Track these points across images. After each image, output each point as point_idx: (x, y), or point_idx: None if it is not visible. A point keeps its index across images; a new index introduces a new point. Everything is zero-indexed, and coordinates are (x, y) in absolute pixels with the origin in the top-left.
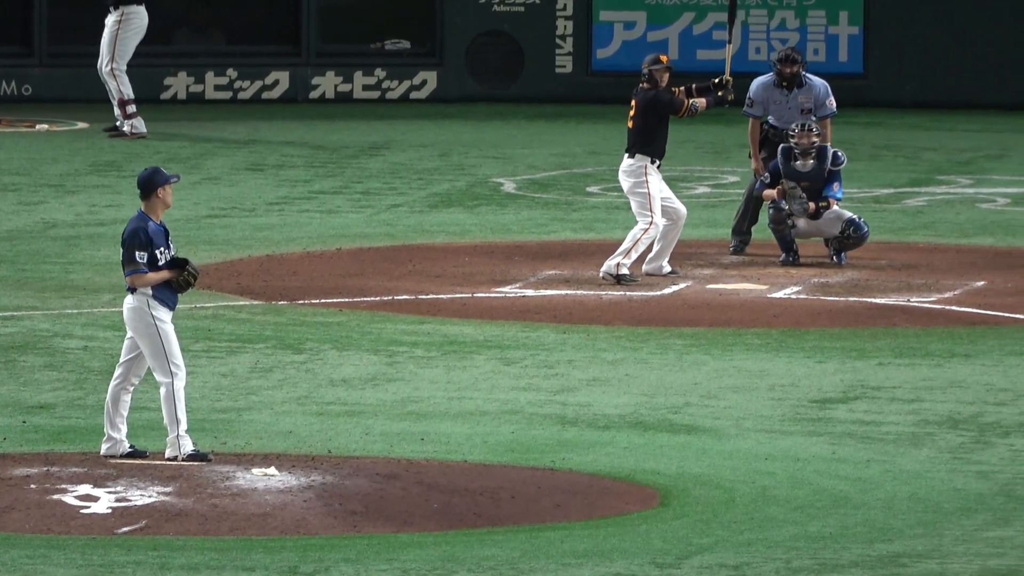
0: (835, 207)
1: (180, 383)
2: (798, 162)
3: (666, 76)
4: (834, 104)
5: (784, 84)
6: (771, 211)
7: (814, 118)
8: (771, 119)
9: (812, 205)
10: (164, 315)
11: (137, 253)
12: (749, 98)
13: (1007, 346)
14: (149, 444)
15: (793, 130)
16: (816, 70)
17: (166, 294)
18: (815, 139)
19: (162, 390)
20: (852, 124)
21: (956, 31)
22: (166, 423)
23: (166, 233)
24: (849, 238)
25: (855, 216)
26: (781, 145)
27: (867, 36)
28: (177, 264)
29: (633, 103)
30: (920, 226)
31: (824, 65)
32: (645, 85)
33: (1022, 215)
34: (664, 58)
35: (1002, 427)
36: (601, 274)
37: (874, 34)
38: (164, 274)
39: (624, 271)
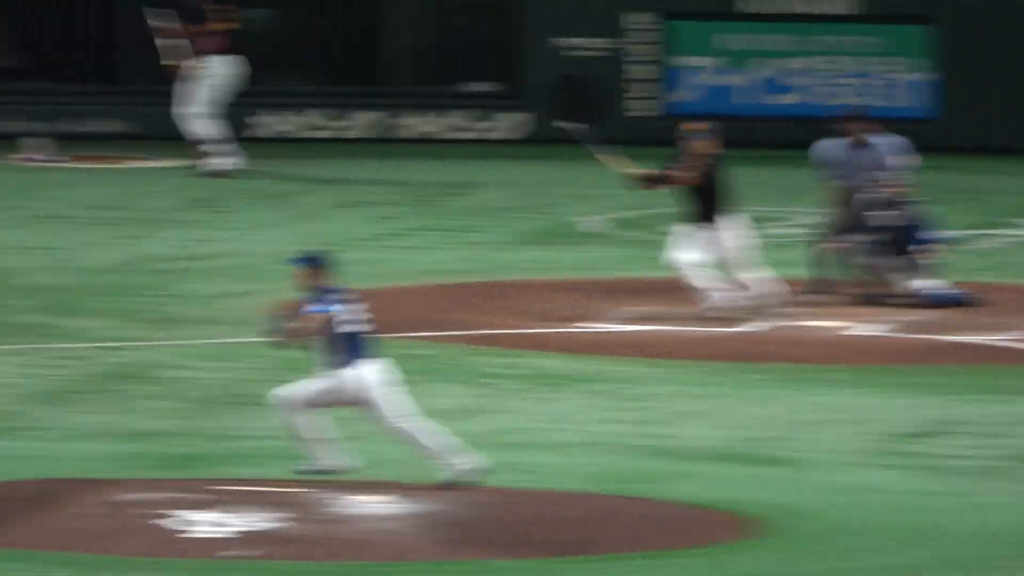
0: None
1: (415, 426)
2: (883, 212)
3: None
4: (909, 159)
5: (853, 143)
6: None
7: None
8: (842, 180)
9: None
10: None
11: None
12: (818, 160)
13: None
14: (267, 472)
15: (877, 180)
16: (886, 115)
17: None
18: (900, 189)
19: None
20: (923, 168)
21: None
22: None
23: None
24: (919, 303)
25: (932, 288)
26: (864, 195)
27: (941, 80)
28: None
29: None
30: (994, 266)
31: (895, 110)
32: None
33: None
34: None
35: None
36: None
37: (949, 78)
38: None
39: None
